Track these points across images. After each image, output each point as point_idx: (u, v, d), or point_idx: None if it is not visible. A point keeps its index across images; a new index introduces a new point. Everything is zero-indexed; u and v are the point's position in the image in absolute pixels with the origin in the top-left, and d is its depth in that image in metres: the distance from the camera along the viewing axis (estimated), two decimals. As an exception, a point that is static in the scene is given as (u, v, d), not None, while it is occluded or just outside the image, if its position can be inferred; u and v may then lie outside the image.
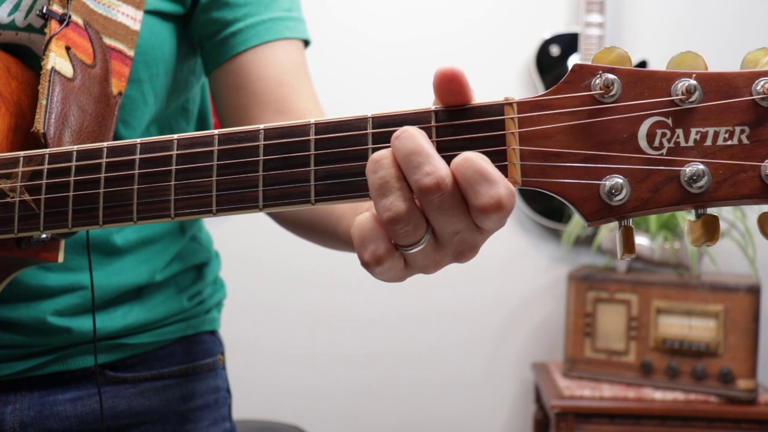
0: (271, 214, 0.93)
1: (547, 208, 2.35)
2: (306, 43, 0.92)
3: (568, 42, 2.33)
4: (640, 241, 2.05)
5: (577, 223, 2.14)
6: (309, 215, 0.86)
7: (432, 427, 2.44)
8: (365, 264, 0.52)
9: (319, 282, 2.42)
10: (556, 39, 2.33)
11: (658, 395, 1.94)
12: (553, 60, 2.32)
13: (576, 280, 2.05)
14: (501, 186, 0.49)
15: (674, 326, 1.96)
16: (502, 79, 2.39)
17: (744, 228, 2.03)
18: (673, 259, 2.02)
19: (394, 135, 0.51)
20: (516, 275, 2.43)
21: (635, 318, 1.99)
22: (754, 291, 1.91)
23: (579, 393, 1.96)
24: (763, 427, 1.91)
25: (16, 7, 0.76)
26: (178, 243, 0.93)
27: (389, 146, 0.51)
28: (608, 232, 2.10)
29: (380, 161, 0.51)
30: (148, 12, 0.81)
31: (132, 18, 0.78)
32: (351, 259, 2.57)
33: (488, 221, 0.50)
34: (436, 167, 0.49)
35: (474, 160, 0.49)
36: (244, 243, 2.33)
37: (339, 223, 0.81)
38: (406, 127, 0.51)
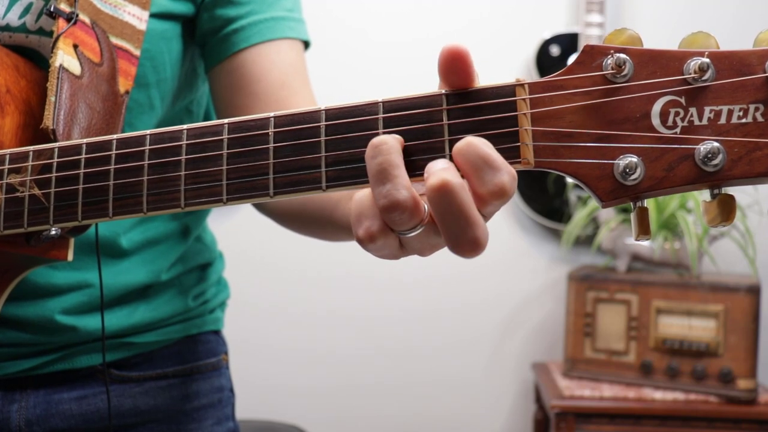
0: (262, 208, 0.92)
1: (547, 208, 2.35)
2: (306, 45, 0.92)
3: (568, 42, 2.33)
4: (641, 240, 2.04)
5: (577, 223, 2.14)
6: (303, 203, 0.85)
7: (432, 427, 2.43)
8: (359, 240, 0.52)
9: (321, 282, 2.42)
10: (556, 39, 2.33)
11: (658, 395, 1.94)
12: (553, 60, 2.32)
13: (576, 280, 2.05)
14: (504, 173, 0.48)
15: (674, 326, 1.95)
16: (503, 78, 2.36)
17: (744, 228, 2.03)
18: (673, 259, 2.02)
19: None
20: (516, 275, 2.43)
21: (635, 318, 1.99)
22: (754, 291, 1.91)
23: (579, 393, 1.96)
24: (763, 427, 1.90)
25: (26, 10, 0.77)
26: (182, 244, 0.93)
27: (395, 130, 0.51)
28: (608, 232, 2.10)
29: (380, 147, 0.50)
30: (157, 15, 0.82)
31: (138, 18, 0.79)
32: (352, 258, 2.54)
33: (490, 207, 0.50)
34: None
35: (478, 145, 0.49)
36: (247, 243, 2.33)
37: (335, 208, 0.81)
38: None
